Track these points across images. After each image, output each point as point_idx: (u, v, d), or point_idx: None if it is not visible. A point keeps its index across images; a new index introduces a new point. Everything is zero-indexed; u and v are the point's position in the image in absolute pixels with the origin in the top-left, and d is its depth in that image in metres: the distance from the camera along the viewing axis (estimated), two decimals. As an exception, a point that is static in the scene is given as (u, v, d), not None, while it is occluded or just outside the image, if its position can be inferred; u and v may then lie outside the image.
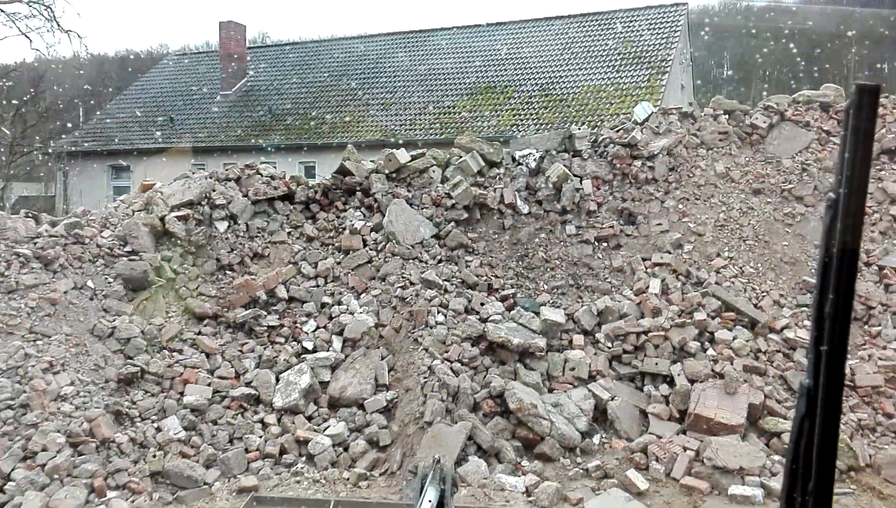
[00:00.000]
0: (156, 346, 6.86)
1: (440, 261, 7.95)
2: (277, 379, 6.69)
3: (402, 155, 8.56)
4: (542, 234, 8.34)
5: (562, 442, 6.24)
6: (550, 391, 6.76)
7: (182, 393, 6.50)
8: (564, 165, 8.79)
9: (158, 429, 6.11)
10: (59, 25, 26.31)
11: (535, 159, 8.97)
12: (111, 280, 7.23)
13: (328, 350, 6.94)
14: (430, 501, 2.62)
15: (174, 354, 6.85)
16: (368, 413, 6.41)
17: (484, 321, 7.16)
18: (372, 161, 8.92)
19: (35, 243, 7.13)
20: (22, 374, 5.90)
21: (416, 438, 5.98)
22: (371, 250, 7.90)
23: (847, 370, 6.58)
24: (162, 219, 7.70)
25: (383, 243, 7.92)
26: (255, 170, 8.46)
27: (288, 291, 7.48)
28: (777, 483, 5.55)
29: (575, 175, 8.77)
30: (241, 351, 6.96)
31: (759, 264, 8.03)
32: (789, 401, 6.35)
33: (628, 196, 8.76)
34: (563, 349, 7.11)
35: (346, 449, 6.14)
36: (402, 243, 7.90)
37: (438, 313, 7.16)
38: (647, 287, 7.62)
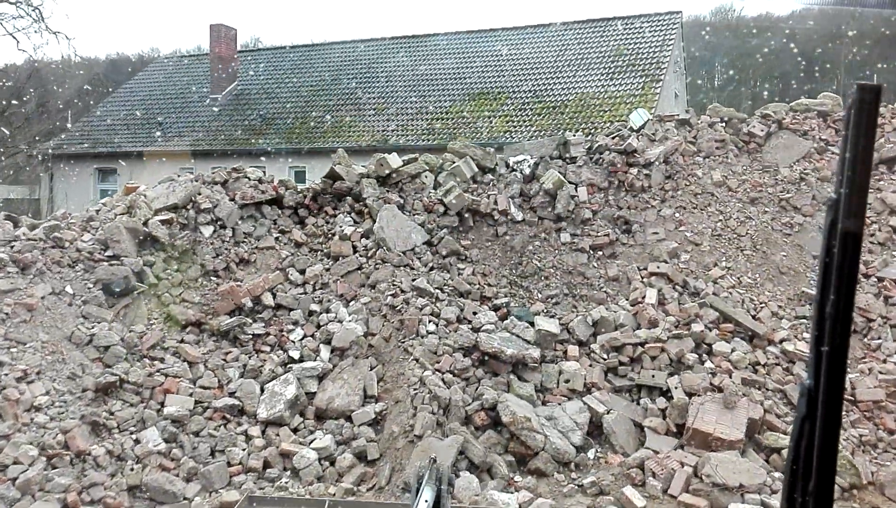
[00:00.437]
0: (136, 354, 6.61)
1: (432, 268, 7.75)
2: (262, 390, 6.46)
3: (394, 160, 8.37)
4: (537, 241, 8.16)
5: (556, 457, 6.04)
6: (544, 403, 6.56)
7: (162, 404, 6.26)
8: (559, 172, 8.63)
9: (137, 441, 5.87)
10: (46, 26, 25.96)
11: (529, 166, 8.80)
12: (91, 286, 6.98)
13: (315, 360, 6.72)
14: (426, 501, 2.60)
15: (155, 362, 6.61)
16: (356, 426, 6.19)
17: (476, 330, 6.97)
18: (363, 166, 8.73)
19: (12, 247, 6.88)
20: (-6, 383, 5.65)
21: (406, 452, 5.76)
22: (361, 256, 7.69)
23: (847, 385, 6.43)
24: (145, 223, 7.47)
25: (373, 249, 7.72)
26: (243, 173, 8.25)
27: (275, 298, 7.26)
28: (778, 501, 5.37)
29: (570, 182, 8.60)
30: (224, 360, 6.73)
31: (757, 275, 7.88)
32: (789, 416, 6.18)
33: (624, 204, 8.60)
34: (558, 360, 6.92)
35: (332, 463, 5.91)
36: (393, 249, 7.70)
37: (430, 322, 6.96)
38: (644, 297, 7.45)
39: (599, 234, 8.25)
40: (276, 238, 7.90)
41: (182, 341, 6.89)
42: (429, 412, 5.99)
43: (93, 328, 6.64)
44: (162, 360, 6.65)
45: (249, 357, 6.78)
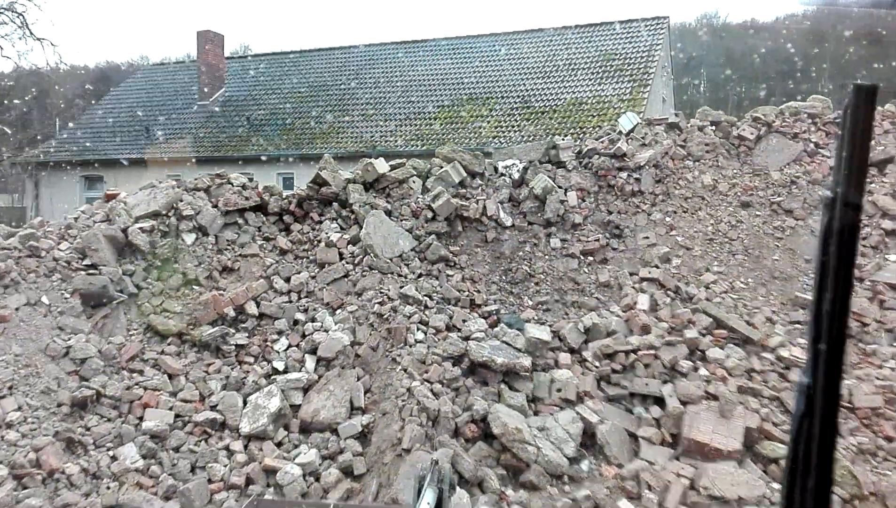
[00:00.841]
0: (114, 367, 6.40)
1: (420, 275, 7.58)
2: (245, 402, 6.26)
3: (381, 165, 8.21)
4: (526, 247, 8.01)
5: (549, 469, 5.86)
6: (536, 413, 6.39)
7: (141, 418, 6.04)
8: (549, 177, 8.49)
9: (114, 458, 5.65)
10: (31, 33, 25.68)
11: (518, 170, 8.66)
12: (68, 296, 6.76)
13: (300, 371, 6.52)
14: (428, 503, 2.61)
15: (134, 375, 6.40)
16: (342, 439, 5.99)
17: (466, 338, 6.79)
18: (351, 172, 8.56)
19: (-15, 256, 6.66)
20: (-37, 399, 5.42)
21: (394, 466, 5.57)
22: (347, 263, 7.51)
23: (844, 391, 6.30)
24: (125, 230, 7.26)
25: (360, 256, 7.54)
26: (226, 179, 8.05)
27: (258, 307, 7.06)
28: (776, 513, 5.24)
29: (559, 187, 8.47)
30: (206, 372, 6.52)
31: (750, 279, 7.76)
32: (786, 424, 6.04)
33: (614, 209, 8.47)
34: (549, 369, 6.75)
35: (317, 479, 5.71)
36: (381, 256, 7.53)
37: (418, 330, 6.79)
38: (636, 303, 7.31)
39: (590, 239, 8.11)
40: (261, 246, 7.71)
41: (162, 352, 6.68)
42: (417, 424, 5.80)
43: (69, 339, 6.42)
44: (141, 372, 6.44)
45: (232, 369, 6.57)
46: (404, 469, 5.50)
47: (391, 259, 7.54)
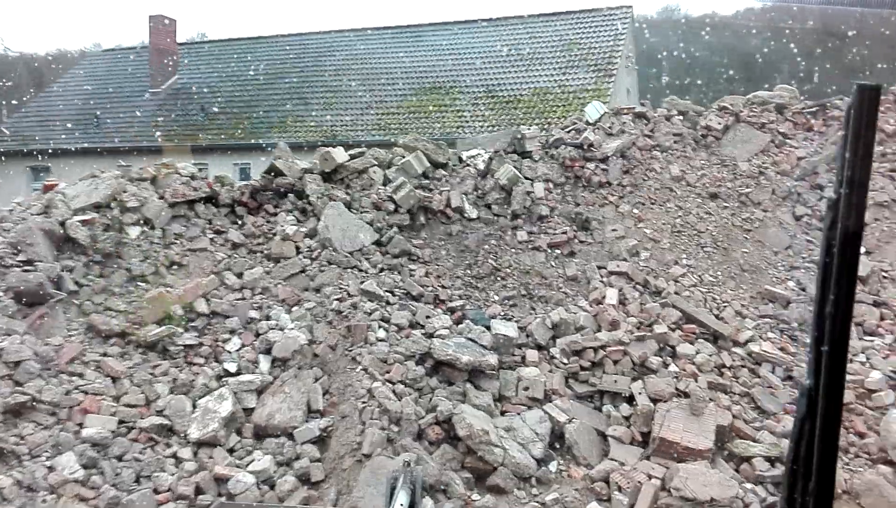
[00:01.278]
0: (51, 370, 5.92)
1: (382, 270, 7.26)
2: (194, 406, 5.87)
3: (340, 154, 7.84)
4: (492, 240, 7.74)
5: (516, 472, 5.62)
6: (503, 413, 6.14)
7: (81, 425, 5.60)
8: (514, 167, 8.23)
9: (51, 468, 5.21)
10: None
11: (483, 161, 8.38)
12: (0, 294, 6.26)
13: (254, 372, 6.15)
14: (401, 505, 2.60)
15: (73, 379, 5.93)
16: (299, 444, 5.65)
17: (430, 336, 6.50)
18: (309, 162, 8.17)
19: None
20: None
21: (353, 473, 5.26)
22: (304, 258, 7.14)
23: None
24: (63, 224, 6.76)
25: (318, 250, 7.18)
26: (174, 169, 7.59)
27: (209, 304, 6.65)
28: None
29: (526, 178, 8.22)
30: (152, 375, 6.10)
31: (719, 272, 7.63)
32: (757, 422, 5.90)
33: (582, 200, 8.26)
34: (516, 367, 6.51)
35: (272, 487, 5.36)
36: (340, 250, 7.17)
37: (379, 328, 6.47)
38: (604, 298, 7.11)
39: (557, 231, 7.88)
40: (211, 239, 7.28)
41: (105, 354, 6.22)
42: (378, 427, 5.50)
43: (2, 341, 5.92)
44: (81, 376, 5.98)
45: (180, 371, 6.16)
46: (364, 476, 5.20)
47: (351, 253, 7.20)
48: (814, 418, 1.40)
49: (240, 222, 7.56)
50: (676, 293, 7.19)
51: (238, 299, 6.78)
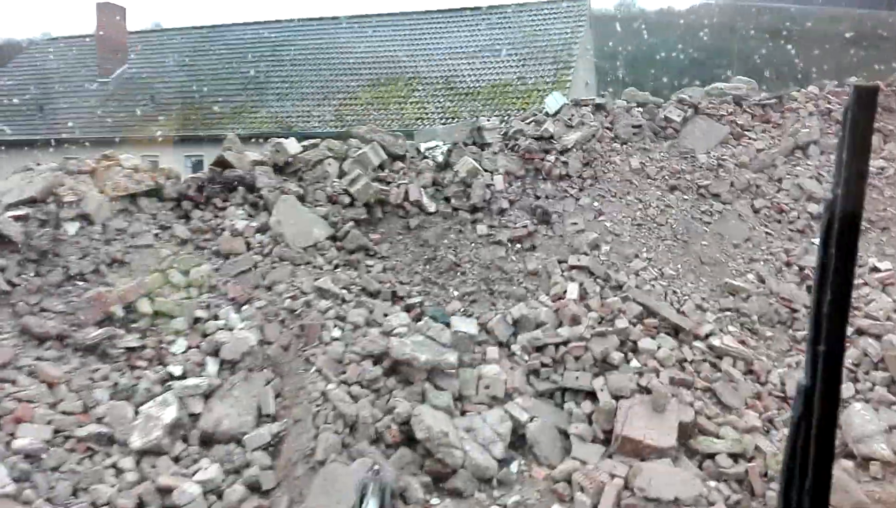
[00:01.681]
0: (-20, 377, 5.53)
1: (337, 266, 7.00)
2: (136, 413, 5.53)
3: (292, 145, 7.53)
4: (451, 234, 7.54)
5: (476, 474, 5.45)
6: (463, 413, 5.95)
7: (13, 435, 5.21)
8: (474, 159, 8.03)
9: (-22, 483, 4.85)
10: None
11: (442, 153, 8.16)
12: (-77, 296, 5.83)
13: (200, 375, 5.83)
14: None
15: (5, 385, 5.53)
16: (249, 451, 5.37)
17: (387, 334, 6.27)
18: (260, 153, 7.84)
19: None
20: None
21: (306, 480, 5.02)
22: (255, 254, 6.83)
23: (777, 380, 6.15)
24: (-7, 220, 6.33)
25: (270, 245, 6.88)
26: (115, 161, 7.19)
27: (153, 304, 6.29)
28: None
29: (485, 170, 8.03)
30: (91, 380, 5.73)
31: (679, 266, 7.56)
32: (720, 417, 5.83)
33: (542, 193, 8.10)
34: (477, 365, 6.32)
35: (220, 497, 5.08)
36: (293, 245, 6.89)
37: (334, 327, 6.22)
38: (565, 292, 6.97)
39: (517, 225, 7.71)
40: (156, 235, 6.91)
41: (40, 358, 5.83)
42: (332, 432, 5.27)
43: (-76, 346, 5.51)
44: (14, 382, 5.58)
45: (121, 375, 5.81)
46: (318, 483, 4.95)
47: (304, 249, 6.92)
48: (810, 417, 1.40)
49: (186, 217, 7.21)
50: (637, 287, 7.09)
51: (184, 299, 6.44)
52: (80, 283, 6.39)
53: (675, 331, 6.70)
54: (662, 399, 5.72)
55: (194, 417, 5.61)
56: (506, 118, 9.06)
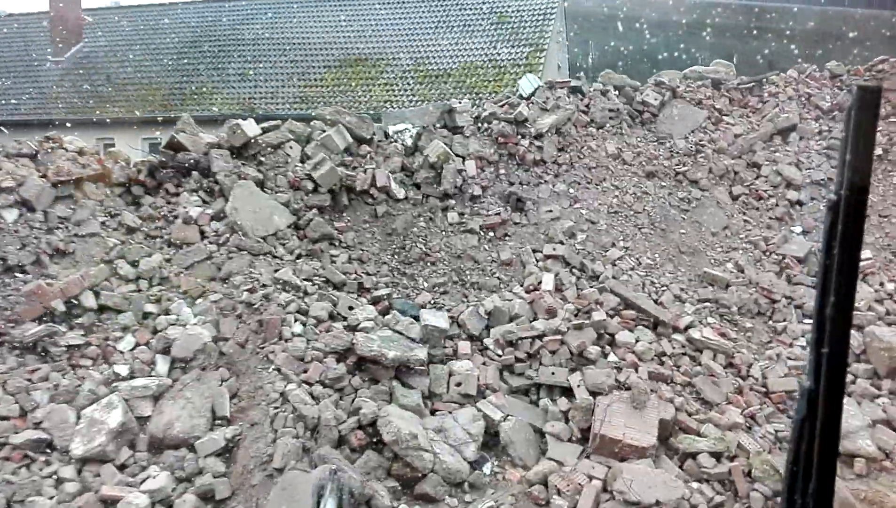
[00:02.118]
0: None
1: (299, 256, 6.59)
2: (79, 417, 5.10)
3: (251, 127, 7.06)
4: (421, 222, 7.18)
5: (447, 478, 5.12)
6: (433, 412, 5.62)
7: (-60, 443, 4.78)
8: (445, 144, 7.65)
9: None
10: None
11: (411, 136, 7.77)
12: None
13: (150, 375, 5.41)
14: None
15: (-68, 388, 5.08)
16: (201, 457, 4.97)
17: (353, 329, 5.90)
18: (216, 135, 7.36)
19: None
20: None
21: (263, 489, 4.64)
22: (210, 243, 6.40)
23: (758, 374, 5.92)
24: (-80, 206, 5.80)
25: (226, 234, 6.44)
26: (58, 144, 6.67)
27: (98, 298, 5.84)
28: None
29: (457, 155, 7.66)
30: (29, 381, 5.27)
31: (657, 255, 7.30)
32: (701, 413, 5.59)
33: (515, 179, 7.78)
34: (447, 360, 5.99)
35: (169, 508, 4.70)
36: (251, 234, 6.46)
37: (296, 321, 5.83)
38: (540, 283, 6.66)
39: (490, 213, 7.39)
40: (103, 223, 6.42)
41: (-29, 358, 5.36)
42: (292, 436, 4.90)
43: None
44: (-58, 384, 5.13)
45: (63, 376, 5.36)
46: (276, 493, 4.58)
47: (264, 238, 6.50)
48: (814, 419, 1.38)
49: (136, 204, 6.72)
50: (614, 278, 6.82)
51: (132, 292, 5.99)
52: (19, 275, 5.89)
53: (654, 323, 6.44)
54: (642, 396, 5.45)
55: (142, 420, 5.20)
56: (478, 101, 8.68)
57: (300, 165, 7.16)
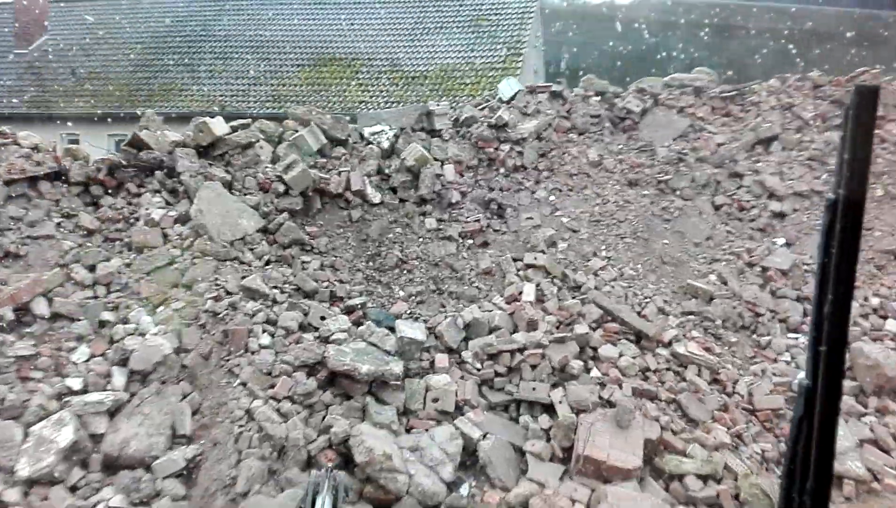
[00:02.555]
0: None
1: (268, 262, 6.27)
2: (26, 435, 4.72)
3: (219, 125, 6.72)
4: (398, 228, 6.90)
5: (423, 500, 4.83)
6: (409, 430, 5.33)
7: None
8: (423, 147, 7.38)
9: None
10: None
11: (388, 139, 7.49)
12: None
13: (105, 389, 5.04)
14: None
15: None
16: (159, 479, 4.63)
17: (325, 340, 5.60)
18: (182, 134, 7.00)
19: None
20: None
21: (226, 515, 4.32)
22: (174, 247, 6.04)
23: (744, 392, 5.75)
24: None
25: (191, 238, 6.09)
26: (11, 139, 6.26)
27: (51, 305, 5.45)
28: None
29: (435, 159, 7.40)
30: (-28, 395, 4.88)
31: (639, 265, 7.11)
32: (686, 432, 5.38)
33: (495, 185, 7.53)
34: (424, 374, 5.71)
35: (123, 536, 4.35)
36: (217, 238, 6.12)
37: (263, 332, 5.51)
38: (520, 293, 6.42)
39: (469, 219, 7.13)
40: (58, 224, 6.03)
41: None
42: (257, 457, 4.58)
43: None
44: None
45: (10, 389, 4.96)
46: (240, 519, 4.27)
47: (230, 242, 6.16)
48: (811, 417, 1.39)
49: (95, 204, 6.34)
50: (596, 289, 6.61)
51: (89, 298, 5.61)
52: (-36, 279, 5.48)
53: (637, 337, 6.23)
54: (627, 415, 5.23)
55: (96, 438, 4.84)
56: (456, 104, 8.43)
57: (271, 166, 6.84)
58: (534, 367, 5.78)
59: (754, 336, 6.52)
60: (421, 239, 6.88)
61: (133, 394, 5.06)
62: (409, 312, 6.22)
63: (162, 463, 4.67)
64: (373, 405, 5.29)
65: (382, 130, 7.60)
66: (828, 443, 1.41)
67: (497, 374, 5.79)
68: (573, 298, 6.47)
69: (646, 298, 6.71)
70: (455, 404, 5.49)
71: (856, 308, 6.53)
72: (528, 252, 6.88)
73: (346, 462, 4.88)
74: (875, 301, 6.56)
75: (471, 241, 6.99)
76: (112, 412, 4.94)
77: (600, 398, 5.52)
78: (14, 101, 19.38)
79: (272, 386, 5.09)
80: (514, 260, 6.82)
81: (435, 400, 5.49)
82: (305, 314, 5.81)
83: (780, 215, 7.58)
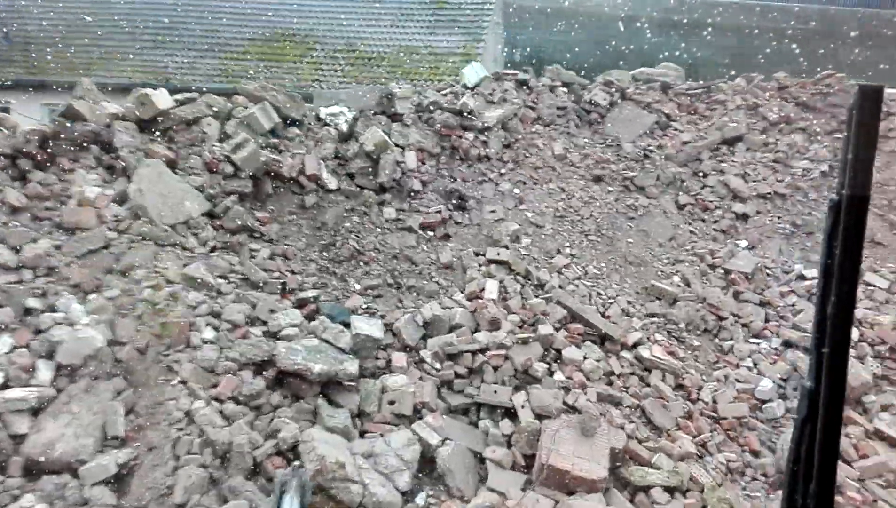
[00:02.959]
0: None
1: (213, 249, 5.82)
2: (-68, 436, 4.21)
3: (163, 98, 6.19)
4: (355, 217, 6.52)
5: (377, 512, 4.54)
6: (363, 434, 5.01)
7: None
8: (383, 131, 7.01)
9: None
10: None
11: (346, 121, 7.08)
12: None
13: (29, 384, 4.55)
14: None
15: None
16: (87, 486, 4.19)
17: (274, 336, 5.22)
18: (122, 106, 6.44)
19: None
20: None
21: (161, 529, 3.92)
22: (110, 230, 5.52)
23: (708, 399, 5.62)
24: None
25: (128, 220, 5.58)
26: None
27: (-33, 290, 4.90)
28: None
29: (396, 144, 7.03)
30: None
31: (604, 264, 6.93)
32: (651, 441, 5.21)
33: (458, 175, 7.22)
34: (380, 374, 5.39)
35: (42, 552, 3.90)
36: (158, 222, 5.64)
37: (207, 325, 5.09)
38: (483, 290, 6.14)
39: (430, 210, 6.80)
40: (-21, 200, 5.44)
41: None
42: (197, 464, 4.19)
43: None
44: None
45: (-84, 384, 4.43)
46: (177, 535, 3.88)
47: (172, 226, 5.68)
48: (815, 420, 1.39)
49: (23, 179, 5.74)
50: (560, 287, 6.39)
51: (12, 283, 5.06)
52: None
53: (602, 339, 6.04)
54: (593, 422, 5.01)
55: (17, 439, 4.35)
56: (419, 91, 8.06)
57: (218, 145, 6.35)
58: (496, 369, 5.52)
59: (717, 341, 6.41)
60: (379, 229, 6.52)
61: (60, 390, 4.58)
62: (365, 306, 5.87)
63: (91, 469, 4.23)
64: (325, 408, 4.94)
65: (340, 112, 7.18)
66: (832, 446, 1.40)
67: (457, 375, 5.50)
68: (536, 296, 6.23)
69: (610, 298, 6.53)
70: (413, 407, 5.19)
71: (817, 315, 6.49)
72: (491, 247, 6.61)
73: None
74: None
75: (431, 233, 6.67)
76: (36, 411, 4.46)
77: (565, 403, 5.31)
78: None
79: (215, 386, 4.68)
80: (476, 254, 6.54)
81: (391, 403, 5.17)
82: (253, 307, 5.40)
83: (744, 217, 7.50)
